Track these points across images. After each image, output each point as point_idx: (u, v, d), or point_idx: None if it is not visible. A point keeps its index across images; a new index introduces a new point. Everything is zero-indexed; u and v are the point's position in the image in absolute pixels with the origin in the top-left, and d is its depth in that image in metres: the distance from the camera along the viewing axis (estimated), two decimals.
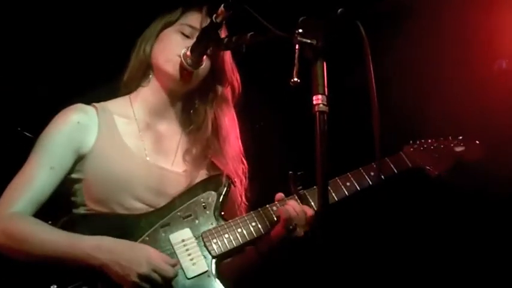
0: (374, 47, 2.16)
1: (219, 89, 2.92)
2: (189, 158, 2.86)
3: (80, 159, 2.73)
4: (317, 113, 2.11)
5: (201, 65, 2.78)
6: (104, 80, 3.05)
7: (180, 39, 2.81)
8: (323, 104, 2.11)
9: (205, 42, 2.69)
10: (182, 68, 2.76)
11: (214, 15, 2.58)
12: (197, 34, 2.73)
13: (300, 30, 2.19)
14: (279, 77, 2.42)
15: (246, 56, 2.67)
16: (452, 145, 3.04)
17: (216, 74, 2.91)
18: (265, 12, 2.34)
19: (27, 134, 3.16)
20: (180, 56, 2.75)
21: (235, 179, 2.86)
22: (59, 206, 2.75)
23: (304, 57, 2.18)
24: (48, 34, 3.59)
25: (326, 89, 2.13)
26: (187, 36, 2.81)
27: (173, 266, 2.58)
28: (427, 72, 3.89)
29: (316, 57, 2.16)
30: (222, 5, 2.53)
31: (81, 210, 2.73)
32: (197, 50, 2.71)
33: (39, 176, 2.66)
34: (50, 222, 2.62)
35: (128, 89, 2.91)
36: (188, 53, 2.73)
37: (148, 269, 2.50)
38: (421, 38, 3.87)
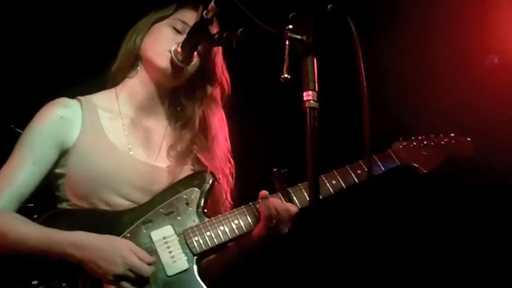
0: (365, 43, 2.16)
1: (209, 88, 2.90)
2: (173, 154, 2.84)
3: (63, 154, 2.72)
4: (307, 109, 2.10)
5: (192, 61, 2.77)
6: (93, 72, 3.03)
7: (171, 33, 2.80)
8: (313, 100, 2.10)
9: (196, 38, 2.68)
10: (173, 63, 2.75)
11: (204, 11, 2.58)
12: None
13: (290, 26, 2.17)
14: (269, 73, 2.42)
15: (236, 52, 2.66)
16: (442, 142, 2.99)
17: (206, 74, 2.89)
18: (255, 8, 2.33)
19: (17, 130, 3.13)
20: (170, 52, 2.74)
21: (220, 176, 2.84)
22: (46, 201, 2.74)
23: (294, 53, 2.17)
24: (36, 28, 3.58)
25: (316, 85, 2.12)
26: (179, 32, 2.80)
27: (150, 264, 2.57)
28: (419, 68, 3.90)
29: (306, 53, 2.15)
30: (213, 1, 2.53)
31: (64, 205, 2.72)
32: (188, 46, 2.71)
33: (22, 171, 2.65)
34: (35, 216, 2.62)
35: (115, 80, 2.89)
36: (179, 49, 2.72)
37: (124, 269, 2.50)
38: (414, 34, 3.88)
